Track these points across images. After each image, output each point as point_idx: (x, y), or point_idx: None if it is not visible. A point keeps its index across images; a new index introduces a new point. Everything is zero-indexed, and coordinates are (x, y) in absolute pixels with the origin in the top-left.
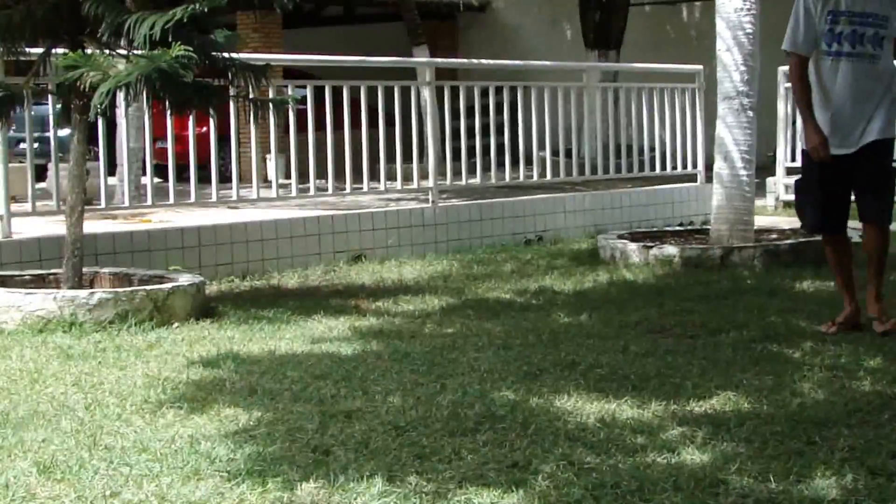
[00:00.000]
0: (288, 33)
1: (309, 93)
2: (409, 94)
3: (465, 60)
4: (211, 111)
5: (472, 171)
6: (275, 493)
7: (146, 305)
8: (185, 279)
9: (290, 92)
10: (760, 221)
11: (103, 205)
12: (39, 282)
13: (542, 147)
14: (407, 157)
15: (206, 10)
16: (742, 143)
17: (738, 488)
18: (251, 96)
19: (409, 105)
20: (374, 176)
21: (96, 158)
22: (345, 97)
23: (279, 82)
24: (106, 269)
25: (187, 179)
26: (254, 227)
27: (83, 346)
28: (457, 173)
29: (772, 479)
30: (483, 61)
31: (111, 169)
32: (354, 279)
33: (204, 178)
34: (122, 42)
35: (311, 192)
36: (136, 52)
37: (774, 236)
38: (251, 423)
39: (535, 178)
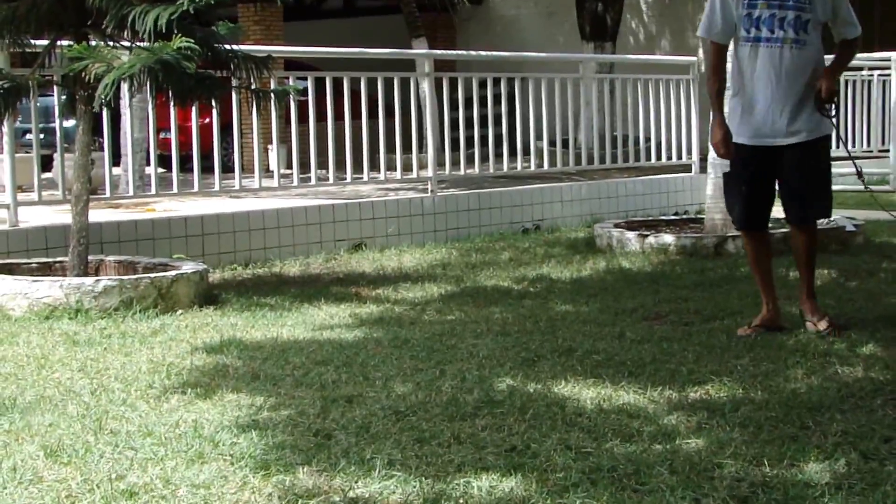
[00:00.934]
0: (289, 26)
1: (310, 84)
2: (409, 86)
3: (463, 52)
4: (213, 102)
5: (470, 161)
6: (277, 476)
7: (150, 293)
8: (188, 267)
9: (291, 83)
10: None
11: (108, 194)
12: (46, 270)
13: (539, 137)
14: (406, 148)
15: (211, 2)
16: None
17: (733, 472)
18: (253, 87)
19: (409, 96)
20: (374, 166)
21: (101, 149)
22: (345, 88)
23: (281, 74)
24: (111, 258)
25: (190, 169)
26: (256, 216)
27: (89, 333)
28: (455, 163)
29: (766, 463)
30: (481, 53)
31: (116, 159)
32: (355, 267)
33: (207, 168)
34: (126, 34)
35: (313, 181)
36: (139, 43)
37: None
38: (254, 408)
39: (533, 167)
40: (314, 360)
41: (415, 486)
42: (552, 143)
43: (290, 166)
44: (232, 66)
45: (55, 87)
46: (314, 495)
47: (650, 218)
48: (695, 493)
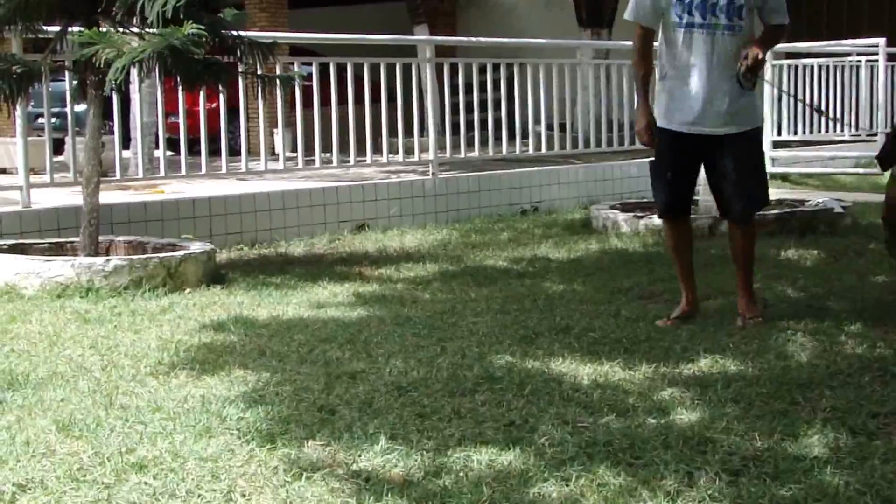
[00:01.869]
0: (293, 13)
1: (314, 70)
2: (410, 71)
3: (463, 38)
4: (220, 87)
5: (470, 144)
6: (282, 450)
7: (159, 272)
8: (196, 247)
9: (296, 69)
10: None
11: (118, 176)
12: (57, 250)
13: (537, 121)
14: (408, 132)
15: None
16: None
17: (726, 446)
18: (259, 73)
19: (410, 81)
20: (376, 149)
21: (111, 132)
22: (348, 74)
23: (286, 59)
24: (121, 238)
25: (198, 152)
26: (262, 198)
27: (99, 311)
28: (456, 147)
29: (757, 437)
30: (481, 39)
31: (125, 142)
32: (358, 247)
33: (214, 151)
34: (136, 20)
35: (317, 164)
36: (149, 30)
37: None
38: (260, 383)
39: (531, 151)
40: (318, 338)
41: (416, 460)
42: (550, 127)
43: (294, 149)
44: (238, 52)
45: (66, 73)
46: (319, 468)
47: (645, 200)
48: (688, 467)
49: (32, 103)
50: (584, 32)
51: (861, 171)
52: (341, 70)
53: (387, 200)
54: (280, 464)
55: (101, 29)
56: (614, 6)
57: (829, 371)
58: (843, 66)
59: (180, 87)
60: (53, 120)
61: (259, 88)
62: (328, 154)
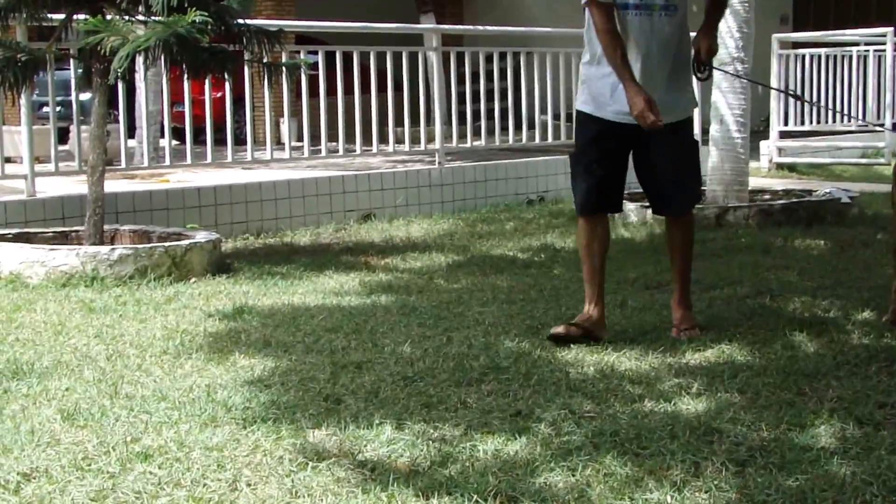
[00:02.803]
0: (300, 1)
1: (320, 58)
2: (417, 60)
3: (470, 27)
4: (226, 75)
5: (476, 133)
6: (288, 439)
7: (165, 261)
8: (201, 236)
9: (302, 57)
10: (754, 182)
11: (123, 165)
12: (62, 238)
13: (543, 111)
14: (415, 121)
15: None
16: (736, 107)
17: (732, 436)
18: (265, 61)
19: (417, 70)
20: (382, 138)
21: (116, 121)
22: (355, 62)
23: (292, 48)
24: (126, 227)
25: (204, 141)
26: (268, 187)
27: (104, 300)
28: (462, 136)
29: (764, 427)
30: (488, 28)
31: (131, 131)
32: (364, 237)
33: (220, 140)
34: (141, 8)
35: (323, 153)
36: (154, 17)
37: (768, 197)
38: (265, 373)
39: (537, 140)
40: (324, 327)
41: (422, 449)
42: (556, 117)
43: (301, 139)
44: (244, 40)
45: (71, 61)
46: (324, 458)
47: None
48: (695, 457)
49: (37, 92)
50: None
51: (866, 161)
52: (347, 59)
53: (393, 190)
54: (286, 453)
55: (105, 17)
56: None
57: (835, 361)
58: (850, 56)
59: (186, 76)
60: (58, 108)
61: (265, 77)
62: (334, 143)
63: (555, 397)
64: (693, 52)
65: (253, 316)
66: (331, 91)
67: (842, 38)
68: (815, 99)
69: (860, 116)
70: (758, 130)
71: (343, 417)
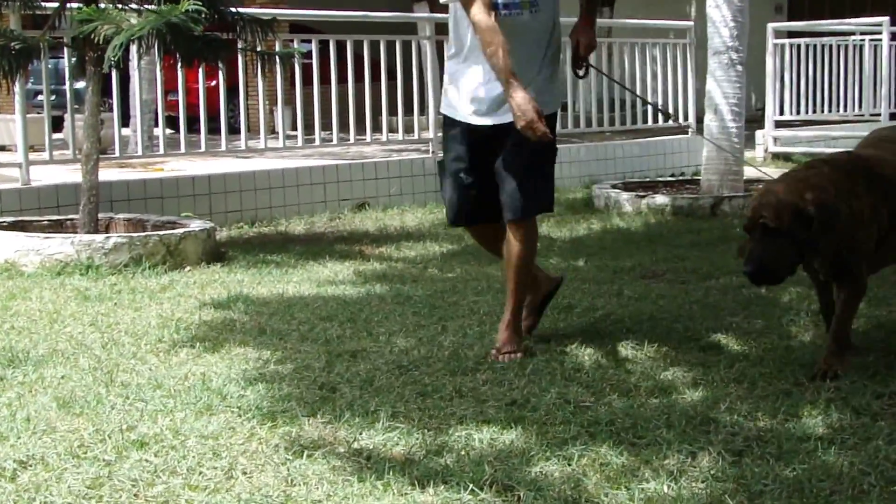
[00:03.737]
0: None
1: (314, 47)
2: (411, 49)
3: None
4: (220, 64)
5: None
6: (283, 427)
7: (159, 250)
8: (196, 225)
9: (295, 46)
10: (749, 172)
11: (117, 154)
12: (57, 227)
13: None
14: (408, 110)
15: None
16: (731, 96)
17: (728, 426)
18: (258, 50)
19: (410, 59)
20: (376, 127)
21: (110, 109)
22: (348, 51)
23: (285, 36)
24: (120, 215)
25: (198, 130)
26: (262, 176)
27: (99, 288)
28: None
29: (760, 417)
30: None
31: (125, 120)
32: (358, 226)
33: (214, 129)
34: None
35: (317, 142)
36: (147, 6)
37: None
38: (260, 361)
39: None
40: (319, 316)
41: (417, 438)
42: None
43: (294, 127)
44: (238, 29)
45: (65, 49)
46: (319, 446)
47: (647, 179)
48: (691, 447)
49: (31, 80)
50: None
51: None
52: (341, 47)
53: (387, 179)
54: (281, 442)
55: (99, 5)
56: None
57: None
58: (846, 46)
59: (179, 64)
60: (52, 97)
61: (259, 65)
62: (328, 132)
63: (550, 386)
64: (571, 48)
65: (247, 305)
66: (324, 80)
67: (838, 27)
68: (811, 89)
69: (856, 106)
70: (753, 119)
71: (338, 406)
